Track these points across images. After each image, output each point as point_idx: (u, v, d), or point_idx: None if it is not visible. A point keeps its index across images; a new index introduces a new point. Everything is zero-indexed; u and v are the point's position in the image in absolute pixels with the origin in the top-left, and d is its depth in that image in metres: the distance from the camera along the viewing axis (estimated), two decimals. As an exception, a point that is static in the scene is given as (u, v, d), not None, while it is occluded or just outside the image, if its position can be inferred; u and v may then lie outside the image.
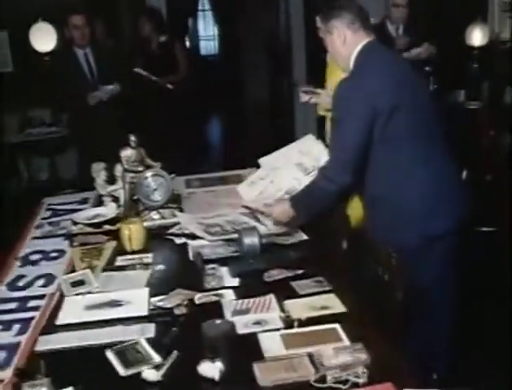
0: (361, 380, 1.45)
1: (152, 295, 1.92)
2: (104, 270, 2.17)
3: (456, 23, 4.76)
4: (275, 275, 2.02)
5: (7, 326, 1.83)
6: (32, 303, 1.97)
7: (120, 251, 2.32)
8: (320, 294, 1.86)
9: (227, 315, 1.77)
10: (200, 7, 11.39)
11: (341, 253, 2.30)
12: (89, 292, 1.99)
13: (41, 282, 2.14)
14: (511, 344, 2.73)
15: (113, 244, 2.37)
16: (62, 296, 1.99)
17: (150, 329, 1.72)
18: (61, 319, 1.83)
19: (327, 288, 1.90)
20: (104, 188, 2.79)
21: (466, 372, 2.53)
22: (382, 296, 1.96)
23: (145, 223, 2.45)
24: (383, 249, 2.01)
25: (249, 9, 8.23)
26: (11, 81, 5.38)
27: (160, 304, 1.85)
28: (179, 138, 4.91)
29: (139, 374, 1.52)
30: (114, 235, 2.42)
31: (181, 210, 2.67)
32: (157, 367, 1.53)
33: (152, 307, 1.85)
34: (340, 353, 1.52)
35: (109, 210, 2.70)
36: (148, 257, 2.25)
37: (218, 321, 1.63)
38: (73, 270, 2.17)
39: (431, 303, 2.22)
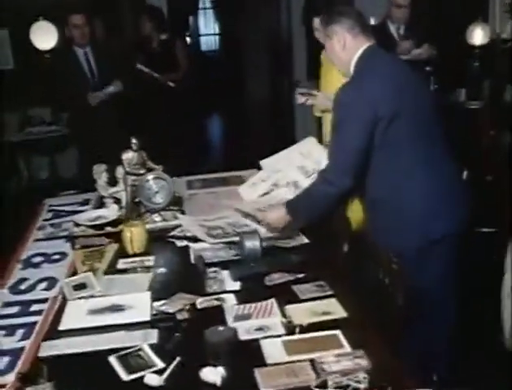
0: (362, 386, 1.45)
1: (154, 299, 1.92)
2: (106, 273, 2.18)
3: (457, 23, 4.76)
4: (276, 278, 2.03)
5: (11, 331, 1.83)
6: (34, 307, 1.98)
7: (122, 253, 2.32)
8: (321, 299, 1.87)
9: (229, 320, 1.77)
10: (201, 5, 11.38)
11: (342, 256, 2.31)
12: (92, 296, 2.00)
13: (43, 285, 2.14)
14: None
15: (115, 246, 2.38)
16: (64, 300, 2.00)
17: (153, 335, 1.72)
18: (64, 324, 1.83)
19: (328, 293, 1.90)
20: (105, 190, 2.80)
21: (465, 372, 2.54)
22: (383, 300, 1.97)
23: (147, 226, 2.46)
24: (383, 253, 2.02)
25: (250, 8, 8.21)
26: (12, 79, 5.38)
27: (162, 308, 1.86)
28: (179, 136, 4.92)
29: (141, 379, 1.53)
30: (116, 237, 2.43)
31: (183, 212, 2.68)
32: (159, 372, 1.54)
33: (154, 312, 1.85)
34: (341, 359, 1.53)
35: (110, 211, 2.71)
36: (149, 260, 2.25)
37: (220, 328, 1.65)
38: (75, 273, 2.18)
39: (432, 303, 2.23)
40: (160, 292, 1.98)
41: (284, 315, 1.78)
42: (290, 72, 6.55)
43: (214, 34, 11.58)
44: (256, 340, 1.66)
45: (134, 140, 2.61)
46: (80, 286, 2.04)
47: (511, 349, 2.69)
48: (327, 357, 1.54)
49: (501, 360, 2.71)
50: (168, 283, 2.10)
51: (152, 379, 1.52)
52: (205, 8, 11.46)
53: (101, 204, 2.87)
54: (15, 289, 2.14)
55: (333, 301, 1.85)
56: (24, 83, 5.30)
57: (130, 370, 1.56)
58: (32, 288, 2.14)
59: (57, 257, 2.38)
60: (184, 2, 9.46)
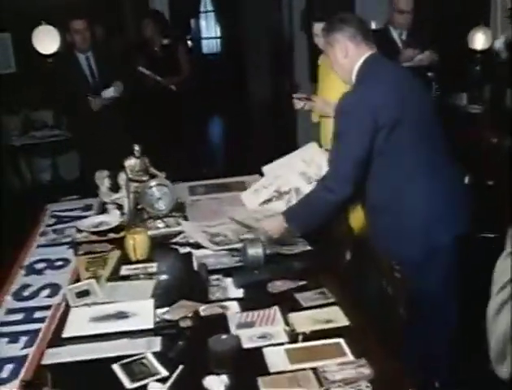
0: (364, 395, 1.46)
1: (157, 306, 1.93)
2: (109, 279, 2.18)
3: (458, 28, 4.76)
4: (279, 286, 2.03)
5: (14, 338, 1.83)
6: (38, 314, 1.98)
7: (125, 260, 2.32)
8: (324, 306, 1.87)
9: (232, 328, 1.77)
10: (202, 8, 11.40)
11: (345, 264, 2.31)
12: (95, 303, 2.00)
13: (46, 292, 2.15)
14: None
15: (117, 253, 2.39)
16: (67, 307, 2.00)
17: (156, 343, 1.73)
18: (67, 332, 1.83)
19: (330, 301, 1.90)
20: (108, 196, 2.80)
21: (466, 374, 2.55)
22: (385, 308, 1.97)
23: (150, 232, 2.46)
24: (385, 261, 2.02)
25: (252, 10, 8.22)
26: (14, 83, 5.39)
27: (166, 316, 1.86)
28: (181, 138, 4.93)
29: (145, 387, 1.53)
30: (119, 243, 2.43)
31: (185, 219, 2.69)
32: (163, 381, 1.55)
33: (157, 319, 1.85)
34: (344, 368, 1.54)
35: (113, 217, 2.71)
36: (152, 267, 2.26)
37: (224, 336, 1.65)
38: (78, 280, 2.18)
39: (433, 306, 2.23)
40: (163, 299, 1.99)
41: (286, 323, 1.78)
42: (291, 74, 6.55)
43: (216, 37, 11.61)
44: (259, 348, 1.66)
45: (136, 147, 2.62)
46: (83, 293, 2.03)
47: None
48: (330, 366, 1.55)
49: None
50: (171, 290, 2.10)
51: (155, 387, 1.52)
52: (206, 11, 11.49)
53: (103, 210, 2.88)
54: (18, 296, 2.14)
55: (336, 308, 1.85)
56: (26, 86, 5.31)
57: (133, 378, 1.56)
58: (35, 294, 2.14)
59: (60, 263, 2.38)
60: (185, 6, 9.48)
